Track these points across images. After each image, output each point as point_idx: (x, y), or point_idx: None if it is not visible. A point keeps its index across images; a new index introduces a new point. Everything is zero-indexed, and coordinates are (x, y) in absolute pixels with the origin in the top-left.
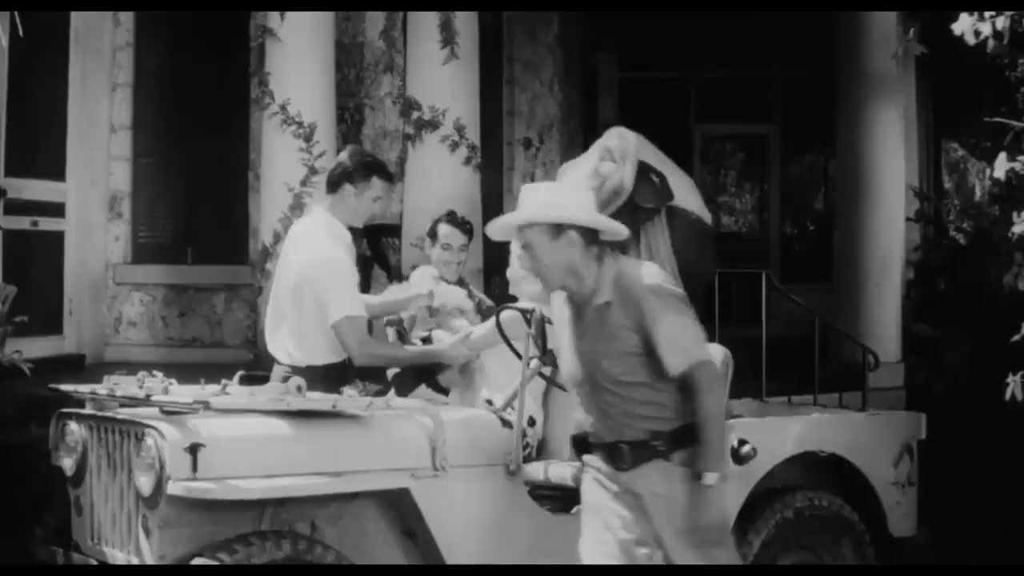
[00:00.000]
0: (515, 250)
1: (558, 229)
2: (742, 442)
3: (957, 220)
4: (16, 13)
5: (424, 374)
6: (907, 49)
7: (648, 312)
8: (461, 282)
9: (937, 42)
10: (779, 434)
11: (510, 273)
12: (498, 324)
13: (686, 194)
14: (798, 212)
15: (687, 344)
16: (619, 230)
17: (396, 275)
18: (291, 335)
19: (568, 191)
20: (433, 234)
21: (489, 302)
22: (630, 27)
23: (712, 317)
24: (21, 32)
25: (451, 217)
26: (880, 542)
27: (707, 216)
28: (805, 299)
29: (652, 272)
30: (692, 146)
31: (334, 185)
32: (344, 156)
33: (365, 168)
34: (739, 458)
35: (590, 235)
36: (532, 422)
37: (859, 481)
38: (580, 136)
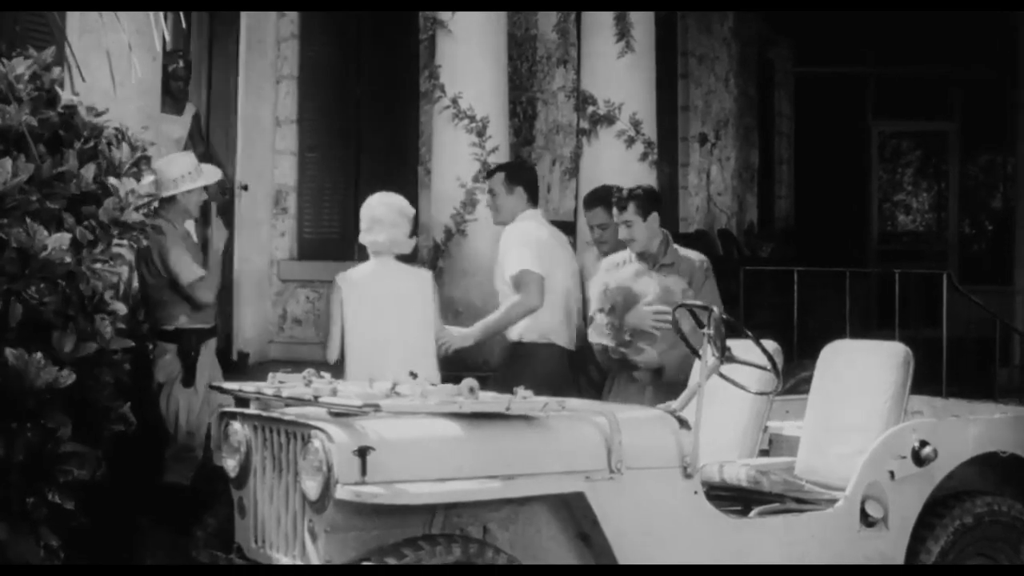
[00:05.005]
0: None
1: None
2: (923, 443)
3: None
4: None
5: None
6: None
7: None
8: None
9: None
10: (960, 435)
11: None
12: (674, 323)
13: None
14: (976, 211)
15: None
16: None
17: None
18: None
19: None
20: None
21: None
22: (805, 22)
23: (892, 317)
24: (184, 25)
25: None
26: None
27: None
28: (983, 300)
29: None
30: (869, 143)
31: None
32: None
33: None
34: (920, 460)
35: None
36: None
37: None
38: (755, 132)
